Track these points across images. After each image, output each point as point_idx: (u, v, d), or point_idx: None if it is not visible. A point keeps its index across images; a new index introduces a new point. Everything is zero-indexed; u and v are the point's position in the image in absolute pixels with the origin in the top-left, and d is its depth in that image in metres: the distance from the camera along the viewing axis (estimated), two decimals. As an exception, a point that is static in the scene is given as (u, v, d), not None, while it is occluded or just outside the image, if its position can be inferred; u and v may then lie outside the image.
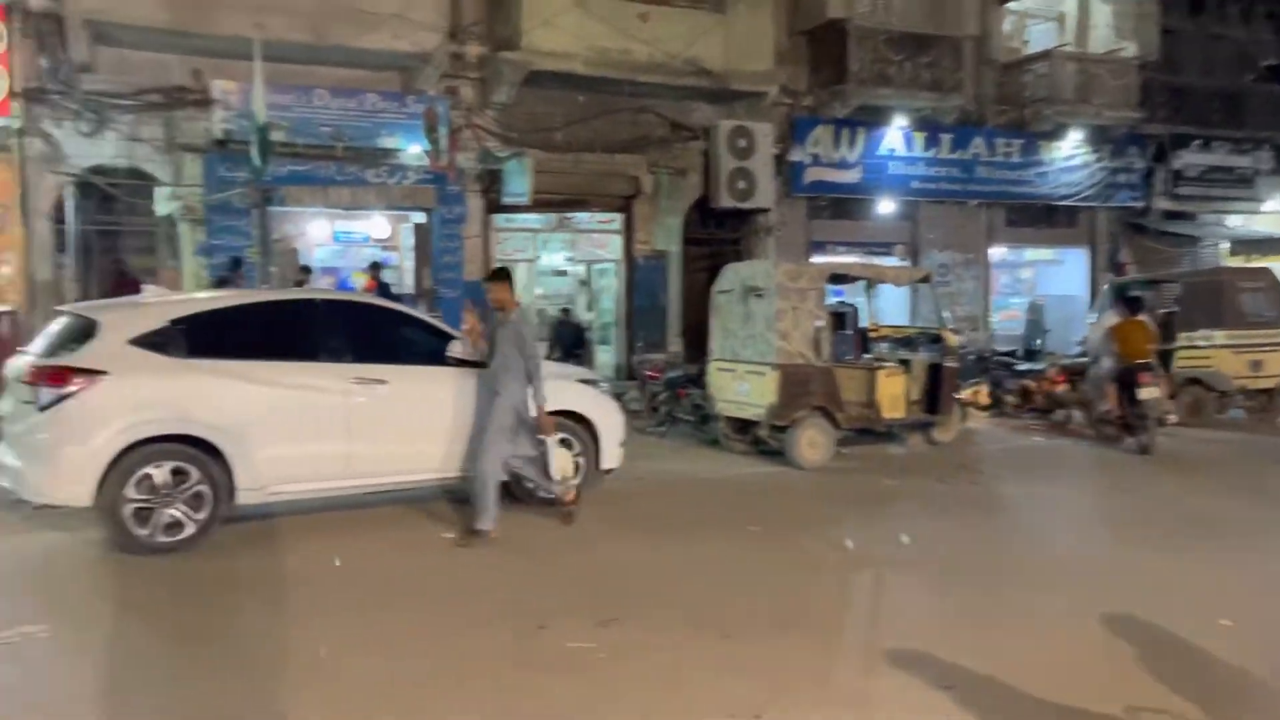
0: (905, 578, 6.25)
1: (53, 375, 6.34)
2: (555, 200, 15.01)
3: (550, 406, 7.88)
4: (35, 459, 6.40)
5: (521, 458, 7.18)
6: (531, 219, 15.45)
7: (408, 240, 14.93)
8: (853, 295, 12.33)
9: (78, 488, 6.28)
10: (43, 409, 6.30)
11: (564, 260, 16.56)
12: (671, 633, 5.13)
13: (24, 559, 6.51)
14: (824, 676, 4.57)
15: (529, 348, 6.99)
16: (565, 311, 15.20)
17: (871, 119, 16.85)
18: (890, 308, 13.61)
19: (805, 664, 4.72)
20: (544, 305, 16.27)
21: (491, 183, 14.34)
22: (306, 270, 13.34)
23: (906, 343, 11.59)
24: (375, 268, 13.66)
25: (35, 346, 6.99)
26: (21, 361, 6.81)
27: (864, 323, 11.87)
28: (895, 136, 17.18)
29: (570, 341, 14.35)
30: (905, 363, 10.88)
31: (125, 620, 5.34)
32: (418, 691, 4.39)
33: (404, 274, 14.88)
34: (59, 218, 12.28)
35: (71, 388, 6.28)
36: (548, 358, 13.03)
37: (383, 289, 13.03)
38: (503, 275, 7.42)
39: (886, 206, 17.54)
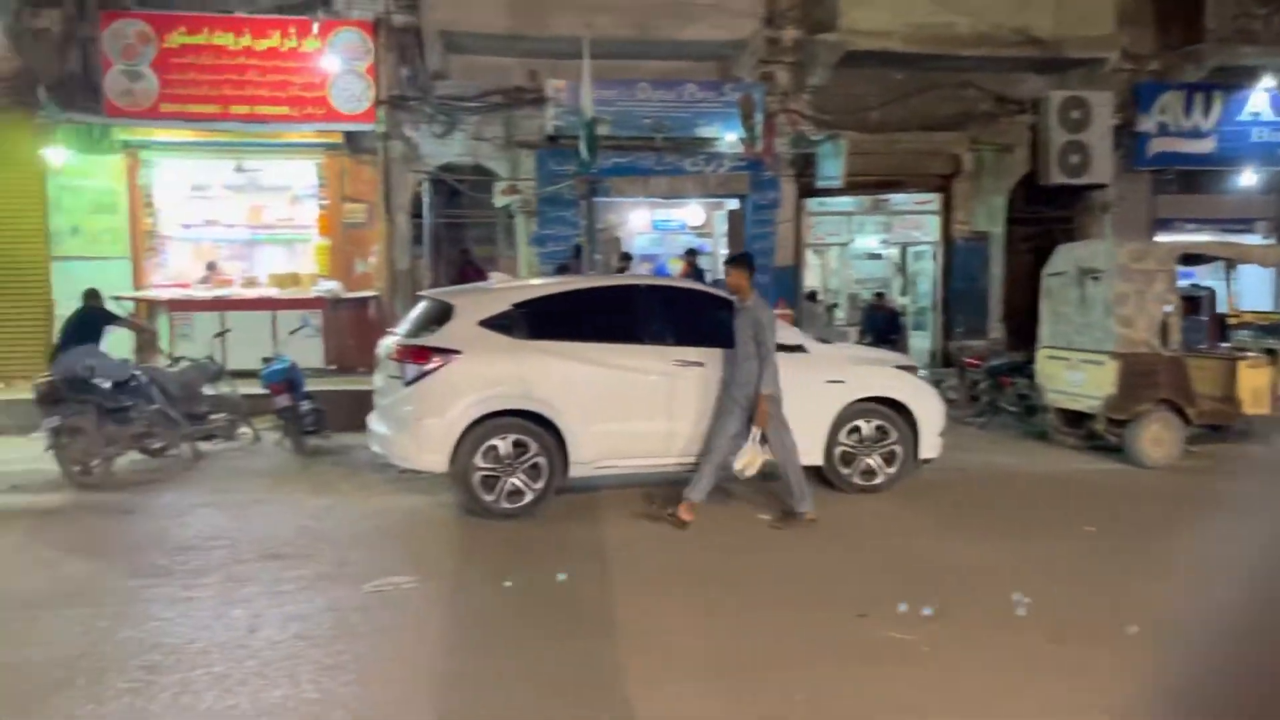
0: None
1: (415, 354, 7.08)
2: (869, 182, 14.69)
3: (866, 393, 7.81)
4: (401, 429, 7.18)
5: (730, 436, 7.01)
6: (845, 202, 15.23)
7: (721, 227, 15.21)
8: (1208, 278, 11.14)
9: (436, 455, 6.98)
10: (407, 384, 7.05)
11: (878, 243, 16.20)
12: (996, 630, 4.92)
13: (391, 517, 7.31)
14: (1178, 694, 4.18)
15: (763, 334, 6.81)
16: (879, 296, 14.88)
17: (1231, 81, 15.03)
18: (1252, 291, 12.15)
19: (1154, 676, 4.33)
20: (856, 290, 16.02)
21: (805, 167, 14.27)
22: (627, 257, 13.96)
23: (1274, 330, 10.29)
24: (691, 254, 14.04)
25: (400, 328, 7.82)
26: (389, 341, 7.65)
27: (1221, 308, 10.68)
28: (1260, 99, 15.22)
29: (883, 327, 14.04)
30: (1272, 353, 9.67)
31: (476, 576, 5.88)
32: (742, 673, 4.48)
33: (718, 260, 15.19)
34: (415, 212, 13.65)
35: (431, 365, 6.98)
36: (859, 343, 12.90)
37: (697, 274, 13.37)
38: (742, 261, 7.25)
39: (1248, 178, 15.61)
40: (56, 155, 11.95)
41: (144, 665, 4.46)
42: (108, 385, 8.73)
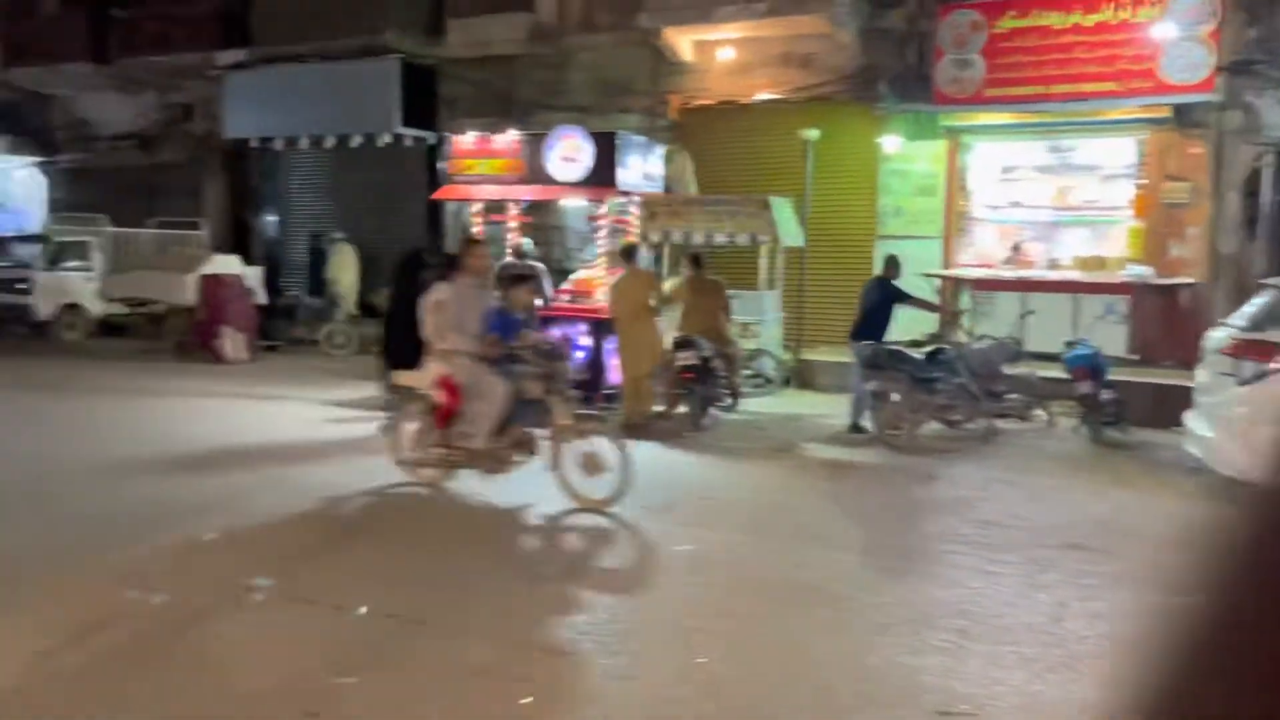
0: None
1: (1257, 350, 6.23)
2: None
3: None
4: (1228, 432, 6.40)
5: None
6: None
7: None
8: None
9: (1273, 467, 6.08)
10: (1242, 383, 6.26)
11: None
12: None
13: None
14: None
15: None
16: None
17: None
18: None
19: None
20: None
21: None
22: None
23: None
24: None
25: (1236, 320, 6.96)
26: (1222, 334, 6.86)
27: None
28: None
29: None
30: None
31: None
32: None
33: None
34: (1250, 190, 12.04)
35: (1275, 365, 6.08)
36: None
37: None
38: None
39: None
40: (889, 143, 13.11)
41: (955, 629, 4.65)
42: (920, 356, 9.36)
